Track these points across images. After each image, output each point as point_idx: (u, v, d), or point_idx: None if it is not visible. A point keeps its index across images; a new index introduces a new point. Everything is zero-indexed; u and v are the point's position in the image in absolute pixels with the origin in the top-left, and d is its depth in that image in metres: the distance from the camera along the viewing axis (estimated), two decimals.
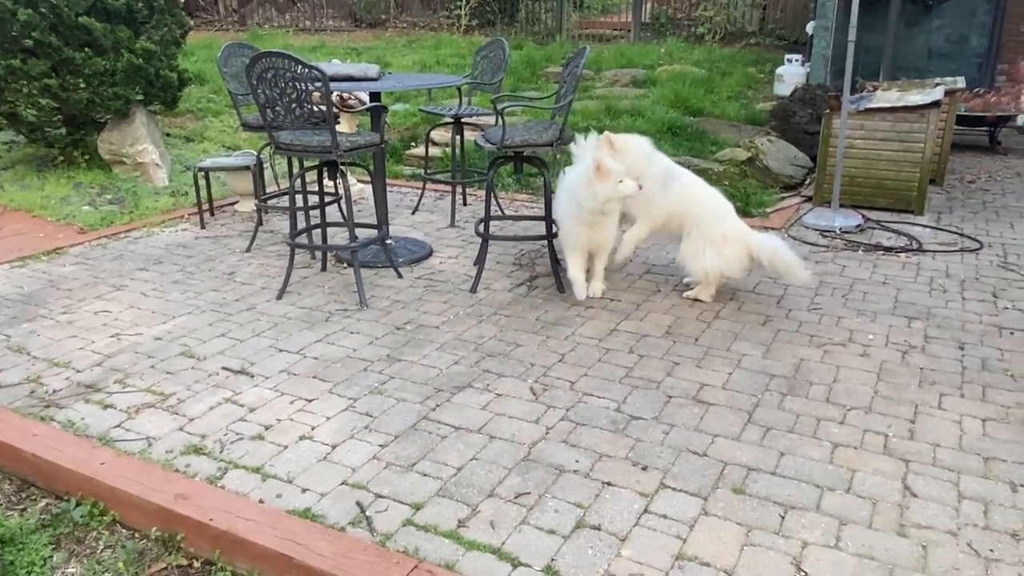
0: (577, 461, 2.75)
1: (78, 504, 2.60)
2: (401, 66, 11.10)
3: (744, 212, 5.90)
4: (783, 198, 6.39)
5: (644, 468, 2.71)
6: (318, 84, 3.91)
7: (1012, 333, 3.79)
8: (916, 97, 5.83)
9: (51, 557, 2.40)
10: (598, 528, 2.40)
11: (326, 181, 4.72)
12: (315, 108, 4.08)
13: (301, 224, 4.81)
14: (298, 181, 4.72)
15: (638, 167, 3.91)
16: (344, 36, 15.04)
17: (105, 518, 2.57)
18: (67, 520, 2.55)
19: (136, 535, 2.51)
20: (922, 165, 5.76)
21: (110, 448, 2.82)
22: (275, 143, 4.21)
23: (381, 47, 13.20)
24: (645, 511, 2.48)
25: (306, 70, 3.87)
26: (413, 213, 6.10)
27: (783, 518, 2.43)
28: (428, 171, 6.41)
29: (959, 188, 6.71)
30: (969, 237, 5.31)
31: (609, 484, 2.62)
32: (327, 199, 4.98)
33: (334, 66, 4.79)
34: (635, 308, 4.15)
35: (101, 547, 2.46)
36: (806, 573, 2.19)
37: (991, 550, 2.27)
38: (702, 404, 3.15)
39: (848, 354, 3.59)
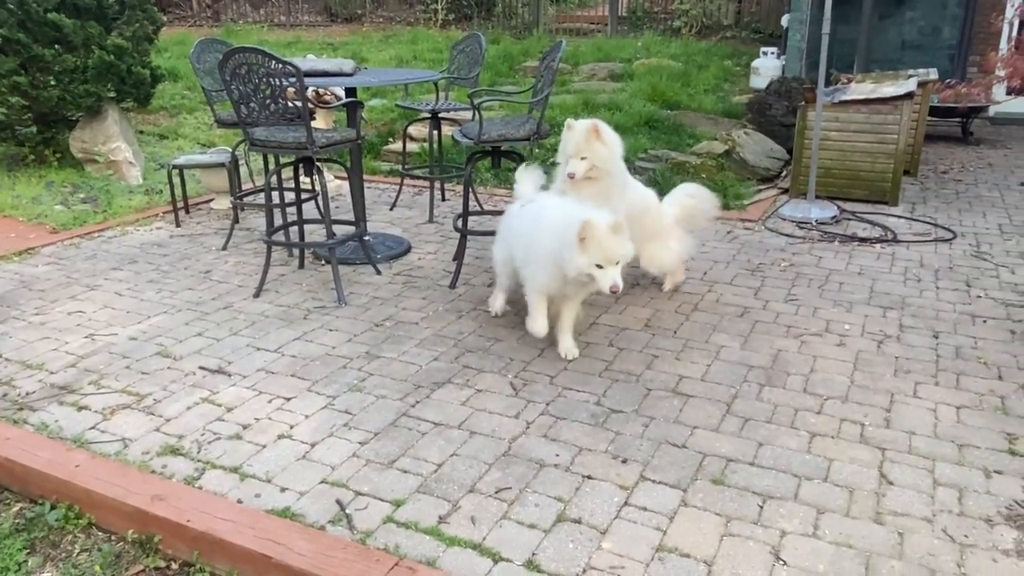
0: (557, 455, 2.76)
1: (53, 507, 2.56)
2: (377, 61, 11.05)
3: (722, 205, 5.94)
4: (760, 190, 6.43)
5: (624, 461, 2.72)
6: (292, 80, 3.88)
7: (985, 321, 3.85)
8: (889, 89, 5.88)
9: (26, 562, 2.36)
10: (579, 521, 2.40)
11: (302, 178, 4.69)
12: (290, 104, 4.05)
13: (278, 221, 4.77)
14: (274, 178, 4.68)
15: (612, 163, 3.81)
16: (320, 31, 14.92)
17: (81, 521, 2.54)
18: (42, 524, 2.51)
19: (112, 538, 2.48)
20: (896, 156, 5.82)
21: (85, 450, 2.79)
22: (250, 140, 4.17)
23: (357, 42, 13.11)
24: (625, 504, 2.49)
25: (280, 66, 3.83)
26: (391, 209, 6.08)
27: (762, 508, 2.45)
28: (406, 167, 6.38)
29: (933, 179, 6.79)
30: (943, 227, 5.37)
31: (589, 477, 2.63)
32: (304, 196, 4.94)
33: (309, 61, 4.75)
34: (614, 302, 4.16)
35: (77, 550, 2.43)
36: (785, 562, 2.21)
37: (966, 536, 2.30)
38: (681, 396, 3.17)
39: (825, 344, 3.63)
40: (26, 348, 3.65)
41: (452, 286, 4.39)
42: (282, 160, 4.69)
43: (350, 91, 4.79)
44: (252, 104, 4.03)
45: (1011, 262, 4.68)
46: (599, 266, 3.08)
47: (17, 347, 3.66)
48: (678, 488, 2.56)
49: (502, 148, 4.38)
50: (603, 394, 3.19)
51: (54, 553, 2.43)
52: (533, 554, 2.26)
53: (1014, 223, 5.49)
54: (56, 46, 6.18)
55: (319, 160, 4.28)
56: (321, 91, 6.18)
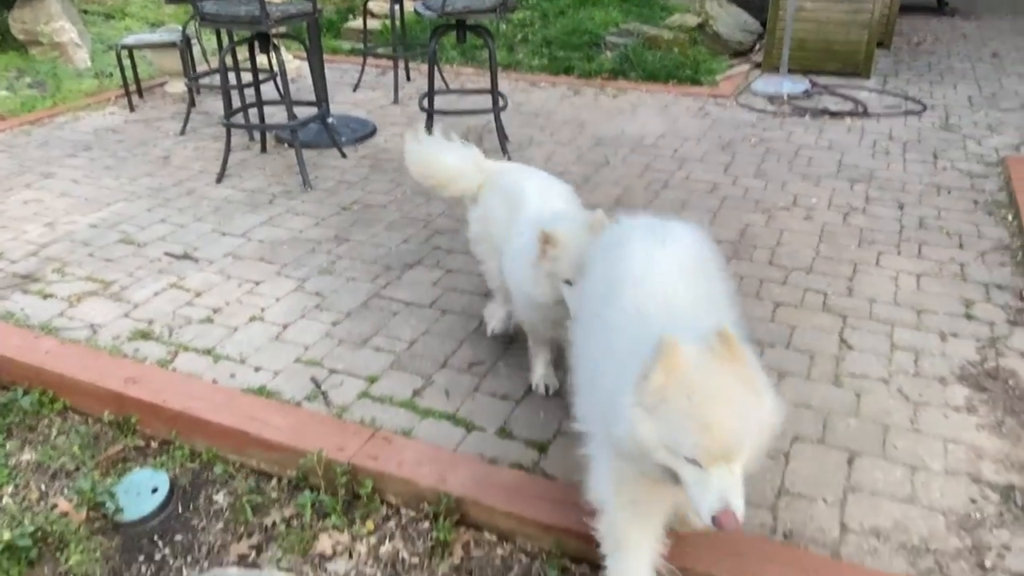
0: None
1: (26, 393, 2.57)
2: None
3: (693, 80, 5.85)
4: (732, 65, 6.31)
5: None
6: None
7: (949, 192, 3.89)
8: None
9: (3, 445, 2.39)
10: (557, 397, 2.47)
11: (259, 56, 4.50)
12: None
13: (236, 104, 4.60)
14: (229, 58, 4.48)
15: None
16: None
17: (56, 405, 2.55)
18: (16, 409, 2.52)
19: (89, 420, 2.51)
20: (870, 26, 5.71)
21: (54, 337, 2.77)
22: (200, 15, 3.95)
23: None
24: None
25: None
26: (355, 90, 5.89)
27: None
28: (368, 45, 6.14)
29: (906, 51, 6.70)
30: (913, 99, 5.35)
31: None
32: (261, 76, 4.75)
33: None
34: (584, 180, 4.13)
35: (54, 433, 2.45)
36: None
37: (920, 395, 2.41)
38: None
39: (792, 218, 3.66)
40: None
41: None
42: (236, 37, 4.47)
43: None
44: None
45: (978, 133, 4.70)
46: (692, 461, 1.32)
47: None
48: None
49: (468, 22, 4.22)
50: None
51: (32, 436, 2.45)
52: (505, 422, 2.33)
53: (983, 95, 5.47)
54: None
55: (275, 36, 4.10)
56: None
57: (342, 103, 5.49)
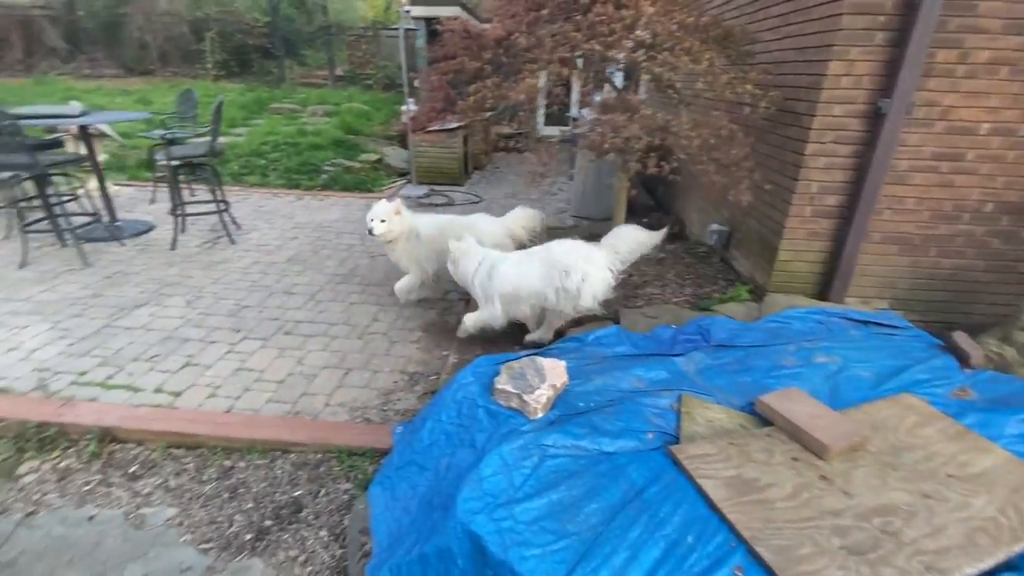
0: (198, 335, 2.98)
1: None
2: (163, 104, 9.58)
3: (369, 189, 6.30)
4: (395, 181, 6.87)
5: (238, 331, 3.03)
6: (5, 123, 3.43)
7: None
8: (452, 123, 6.54)
9: None
10: (197, 365, 2.69)
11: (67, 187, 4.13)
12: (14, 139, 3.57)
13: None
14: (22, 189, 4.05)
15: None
16: (119, 82, 12.47)
17: None
18: None
19: None
20: (459, 160, 6.54)
21: None
22: None
23: (148, 90, 11.22)
24: (228, 352, 2.82)
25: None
26: (151, 203, 5.58)
27: (304, 341, 2.93)
28: (156, 175, 5.84)
29: (489, 171, 7.71)
30: (475, 195, 6.23)
31: (212, 342, 2.91)
32: (67, 199, 4.35)
33: (42, 107, 4.18)
34: (277, 248, 4.35)
35: None
36: (304, 365, 2.70)
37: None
38: (289, 295, 3.53)
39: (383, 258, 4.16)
40: None
41: (172, 248, 4.28)
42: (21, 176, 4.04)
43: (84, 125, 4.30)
44: None
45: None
46: None
47: None
48: (263, 339, 2.94)
49: (193, 161, 4.28)
50: (241, 299, 3.43)
51: None
52: (161, 384, 2.52)
53: (512, 192, 6.52)
54: None
55: (55, 173, 3.83)
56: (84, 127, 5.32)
57: (140, 212, 5.19)
